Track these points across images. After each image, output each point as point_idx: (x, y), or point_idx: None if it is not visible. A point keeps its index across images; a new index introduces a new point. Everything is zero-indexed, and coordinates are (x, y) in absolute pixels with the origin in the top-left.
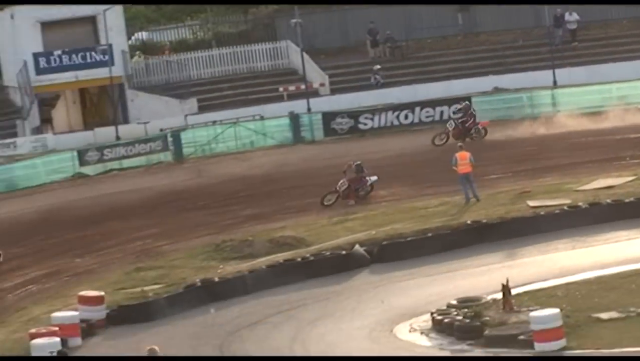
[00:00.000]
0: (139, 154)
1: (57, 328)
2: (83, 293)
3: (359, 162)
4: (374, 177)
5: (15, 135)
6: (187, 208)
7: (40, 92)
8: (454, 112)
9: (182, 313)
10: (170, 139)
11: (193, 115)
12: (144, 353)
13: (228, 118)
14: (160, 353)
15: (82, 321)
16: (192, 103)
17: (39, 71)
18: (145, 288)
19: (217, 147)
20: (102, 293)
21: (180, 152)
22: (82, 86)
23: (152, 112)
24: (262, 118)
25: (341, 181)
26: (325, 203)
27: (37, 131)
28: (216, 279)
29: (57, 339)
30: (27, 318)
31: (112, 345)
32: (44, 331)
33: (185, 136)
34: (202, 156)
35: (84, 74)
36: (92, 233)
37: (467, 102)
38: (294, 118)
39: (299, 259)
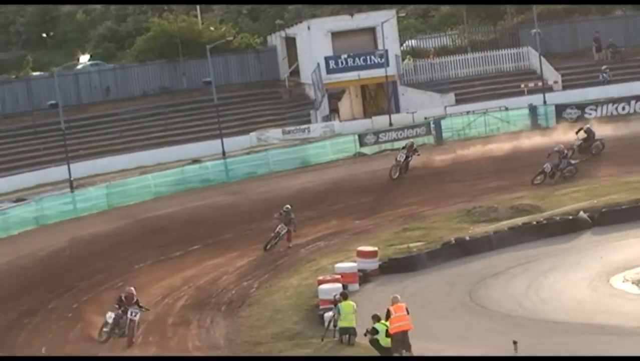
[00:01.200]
0: (407, 137)
1: (339, 276)
2: (361, 248)
3: (561, 146)
4: (575, 161)
5: (309, 122)
6: (445, 181)
7: (329, 88)
8: None
9: (439, 265)
10: (432, 125)
11: (451, 106)
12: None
13: (479, 109)
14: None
15: (360, 270)
16: (451, 97)
17: (329, 71)
18: (410, 245)
19: (469, 132)
20: (376, 248)
21: (440, 136)
22: (363, 83)
23: (418, 104)
24: (506, 109)
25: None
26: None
27: (326, 118)
28: (467, 238)
29: (339, 285)
30: (315, 268)
31: (383, 290)
32: (329, 278)
33: (444, 123)
34: (458, 139)
35: (364, 74)
36: (369, 200)
37: None
38: (532, 109)
39: (534, 222)
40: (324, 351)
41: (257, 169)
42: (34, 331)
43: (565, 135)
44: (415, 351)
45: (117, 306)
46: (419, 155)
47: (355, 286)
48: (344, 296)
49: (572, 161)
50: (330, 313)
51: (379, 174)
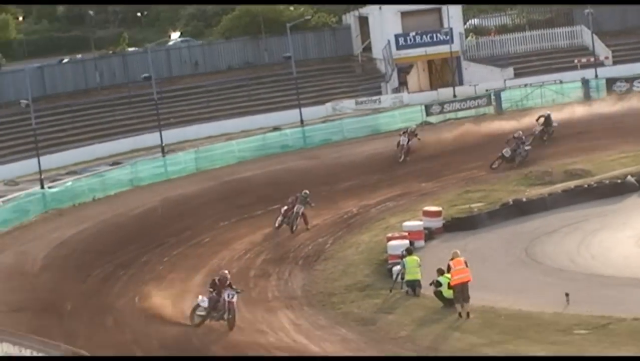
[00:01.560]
0: (469, 108)
1: (406, 233)
2: (426, 208)
3: (520, 132)
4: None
5: (380, 93)
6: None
7: (398, 63)
8: None
9: (498, 224)
10: (492, 97)
11: (510, 80)
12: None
13: (536, 82)
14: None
15: (425, 228)
16: (510, 71)
17: (399, 47)
18: (472, 205)
19: (527, 103)
20: (440, 208)
21: (500, 107)
22: (430, 58)
23: (480, 77)
24: (561, 82)
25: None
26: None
27: (395, 90)
28: (524, 199)
29: (406, 241)
30: (385, 226)
31: (446, 246)
32: (397, 235)
33: (504, 95)
34: (516, 110)
35: (431, 50)
36: (434, 165)
37: None
38: (585, 82)
39: (586, 185)
40: (391, 301)
41: (331, 136)
42: (129, 281)
43: (614, 106)
44: (475, 302)
45: (210, 289)
46: (419, 139)
47: (421, 243)
48: (409, 251)
49: (526, 147)
50: (398, 267)
51: (443, 140)
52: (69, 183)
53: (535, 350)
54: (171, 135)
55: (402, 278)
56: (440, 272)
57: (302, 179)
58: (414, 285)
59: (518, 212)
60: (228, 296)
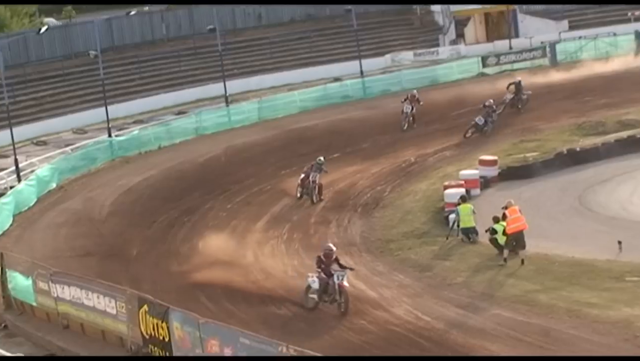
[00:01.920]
0: (524, 60)
1: (462, 182)
2: (482, 157)
3: (491, 101)
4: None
5: (437, 45)
6: (557, 98)
7: (456, 16)
8: None
9: (552, 173)
10: (548, 49)
11: (565, 32)
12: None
13: (590, 34)
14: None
15: (481, 177)
16: (565, 23)
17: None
18: (527, 155)
19: (581, 55)
20: (496, 158)
21: (554, 59)
22: (487, 11)
23: (535, 30)
24: (614, 35)
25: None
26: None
27: (453, 42)
28: (577, 149)
29: (463, 190)
30: (442, 175)
31: (501, 195)
32: (453, 183)
33: (558, 47)
34: (570, 61)
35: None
36: None
37: None
38: (638, 35)
39: (639, 135)
40: (448, 248)
41: (391, 87)
42: (193, 228)
43: None
44: (529, 249)
45: (318, 268)
46: (422, 104)
47: (477, 191)
48: (463, 199)
49: (495, 116)
50: (454, 215)
51: (500, 91)
52: (136, 132)
53: (588, 297)
54: (235, 85)
55: (458, 226)
56: (496, 220)
57: (361, 128)
58: (468, 232)
59: (572, 161)
60: (338, 278)
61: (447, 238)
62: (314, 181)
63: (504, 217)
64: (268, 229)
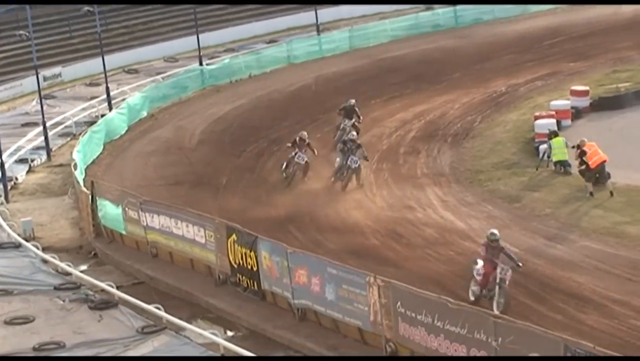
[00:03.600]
0: None
1: (554, 112)
2: (574, 87)
3: None
4: None
5: None
6: None
7: None
8: None
9: None
10: None
11: None
12: None
13: None
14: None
15: (572, 107)
16: None
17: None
18: (619, 85)
19: None
20: (588, 88)
21: None
22: None
23: None
24: None
25: None
26: None
27: None
28: None
29: (554, 120)
30: (533, 105)
31: (593, 125)
32: (544, 114)
33: None
34: None
35: None
36: (582, 45)
37: None
38: None
39: None
40: (537, 179)
41: (482, 16)
42: (282, 157)
43: None
44: (620, 181)
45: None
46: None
47: (568, 122)
48: (554, 134)
49: None
50: (545, 146)
51: (593, 21)
52: (227, 60)
53: None
54: (326, 14)
55: (549, 157)
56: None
57: (452, 57)
58: (562, 165)
59: None
60: (297, 157)
61: (536, 169)
62: (298, 162)
63: (583, 153)
64: None
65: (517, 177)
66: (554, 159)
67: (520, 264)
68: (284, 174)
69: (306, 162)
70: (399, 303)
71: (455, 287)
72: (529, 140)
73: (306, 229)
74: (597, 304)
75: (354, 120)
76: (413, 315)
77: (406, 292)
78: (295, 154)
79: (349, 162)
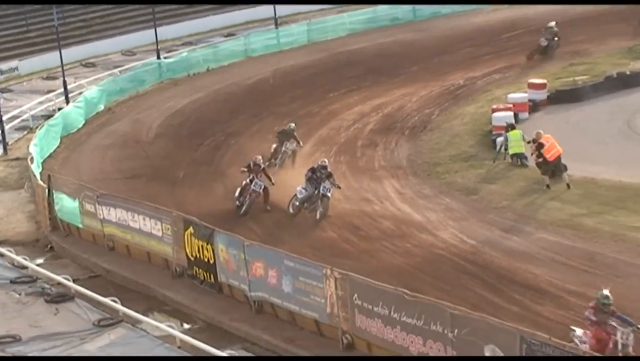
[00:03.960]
0: None
1: (511, 105)
2: (531, 80)
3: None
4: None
5: None
6: (608, 21)
7: None
8: None
9: (601, 97)
10: None
11: None
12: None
13: None
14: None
15: (530, 100)
16: None
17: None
18: (576, 78)
19: None
20: (545, 81)
21: None
22: None
23: None
24: None
25: None
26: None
27: None
28: (628, 72)
29: (511, 113)
30: (490, 98)
31: (550, 118)
32: (502, 107)
33: None
34: None
35: None
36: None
37: None
38: None
39: None
40: (494, 172)
41: (441, 9)
42: (240, 150)
43: None
44: (576, 173)
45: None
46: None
47: (525, 115)
48: (511, 126)
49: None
50: (501, 138)
51: (549, 14)
52: (184, 54)
53: (634, 221)
54: (284, 7)
55: (506, 150)
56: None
57: (410, 51)
58: (519, 157)
59: (621, 85)
60: (323, 189)
61: (494, 162)
62: (255, 190)
63: (540, 146)
64: (315, 152)
65: (474, 170)
66: (511, 151)
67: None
68: (237, 202)
69: (265, 188)
70: (355, 295)
71: (412, 279)
72: (487, 133)
73: (263, 223)
74: (554, 295)
75: (295, 145)
76: (370, 307)
77: (363, 284)
78: (252, 181)
79: (322, 191)
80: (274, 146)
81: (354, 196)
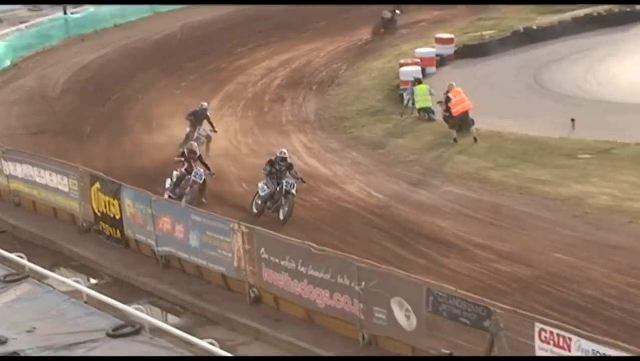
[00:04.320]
0: None
1: (418, 60)
2: (439, 35)
3: None
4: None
5: None
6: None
7: None
8: None
9: (508, 51)
10: None
11: None
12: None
13: None
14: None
15: (437, 55)
16: None
17: None
18: (483, 32)
19: None
20: (452, 36)
21: None
22: None
23: None
24: None
25: None
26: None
27: None
28: (534, 27)
29: (418, 68)
30: (398, 52)
31: (457, 72)
32: (409, 61)
33: None
34: None
35: None
36: None
37: None
38: None
39: (595, 14)
40: (402, 126)
41: None
42: (147, 106)
43: None
44: (483, 127)
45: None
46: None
47: (433, 69)
48: (418, 81)
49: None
50: (409, 93)
51: None
52: (91, 9)
53: (540, 174)
54: None
55: (413, 104)
56: (441, 104)
57: (319, 6)
58: (426, 111)
59: (528, 39)
60: (286, 185)
61: (401, 116)
62: (196, 180)
63: (448, 100)
64: (222, 107)
65: (381, 124)
66: (418, 106)
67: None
68: (172, 194)
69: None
70: (262, 249)
71: (319, 233)
72: (394, 87)
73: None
74: (460, 248)
75: (209, 130)
76: (277, 260)
77: (270, 238)
78: (188, 170)
79: (285, 187)
80: (187, 130)
81: (261, 150)
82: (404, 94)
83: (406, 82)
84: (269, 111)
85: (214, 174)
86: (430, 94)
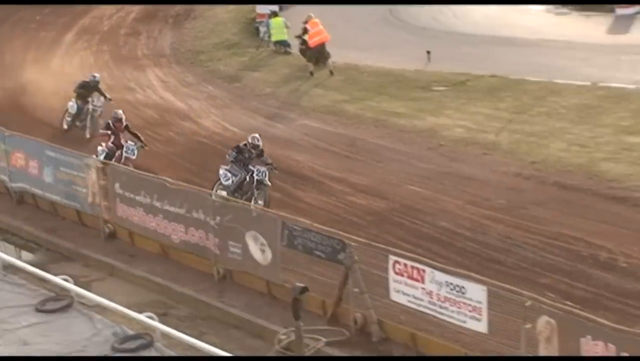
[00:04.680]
0: None
1: None
2: None
3: None
4: None
5: None
6: None
7: None
8: None
9: None
10: None
11: None
12: None
13: None
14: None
15: None
16: None
17: None
18: None
19: None
20: None
21: None
22: None
23: None
24: None
25: None
26: None
27: None
28: None
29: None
30: None
31: (314, 5)
32: None
33: None
34: None
35: None
36: None
37: None
38: None
39: None
40: (258, 59)
41: None
42: (1, 39)
43: None
44: (338, 60)
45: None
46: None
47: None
48: (274, 14)
49: None
50: (265, 26)
51: None
52: None
53: (395, 106)
54: None
55: (269, 37)
56: (298, 37)
57: None
58: (282, 44)
59: None
60: (257, 174)
61: (257, 49)
62: (128, 156)
63: (305, 31)
64: (77, 41)
65: (237, 58)
66: (273, 39)
67: (145, 146)
68: None
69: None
70: (117, 185)
71: (175, 167)
72: (250, 20)
73: (28, 112)
74: (316, 181)
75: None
76: (132, 195)
77: (125, 173)
78: (116, 145)
79: (257, 176)
80: (71, 104)
81: (117, 85)
82: (260, 27)
83: (262, 15)
84: (124, 44)
85: (146, 145)
86: (286, 27)
